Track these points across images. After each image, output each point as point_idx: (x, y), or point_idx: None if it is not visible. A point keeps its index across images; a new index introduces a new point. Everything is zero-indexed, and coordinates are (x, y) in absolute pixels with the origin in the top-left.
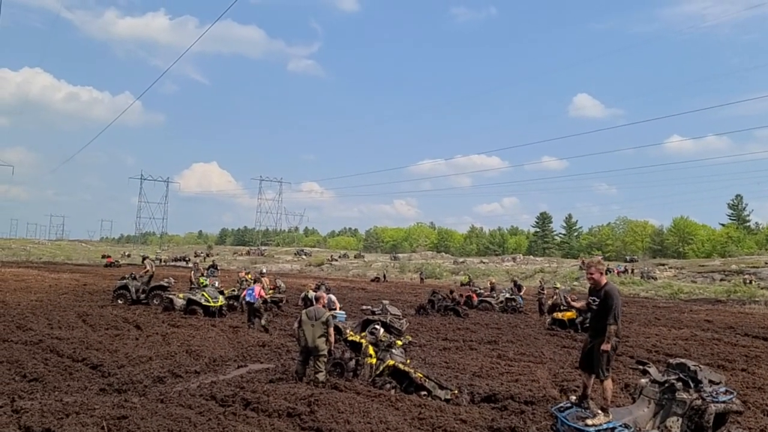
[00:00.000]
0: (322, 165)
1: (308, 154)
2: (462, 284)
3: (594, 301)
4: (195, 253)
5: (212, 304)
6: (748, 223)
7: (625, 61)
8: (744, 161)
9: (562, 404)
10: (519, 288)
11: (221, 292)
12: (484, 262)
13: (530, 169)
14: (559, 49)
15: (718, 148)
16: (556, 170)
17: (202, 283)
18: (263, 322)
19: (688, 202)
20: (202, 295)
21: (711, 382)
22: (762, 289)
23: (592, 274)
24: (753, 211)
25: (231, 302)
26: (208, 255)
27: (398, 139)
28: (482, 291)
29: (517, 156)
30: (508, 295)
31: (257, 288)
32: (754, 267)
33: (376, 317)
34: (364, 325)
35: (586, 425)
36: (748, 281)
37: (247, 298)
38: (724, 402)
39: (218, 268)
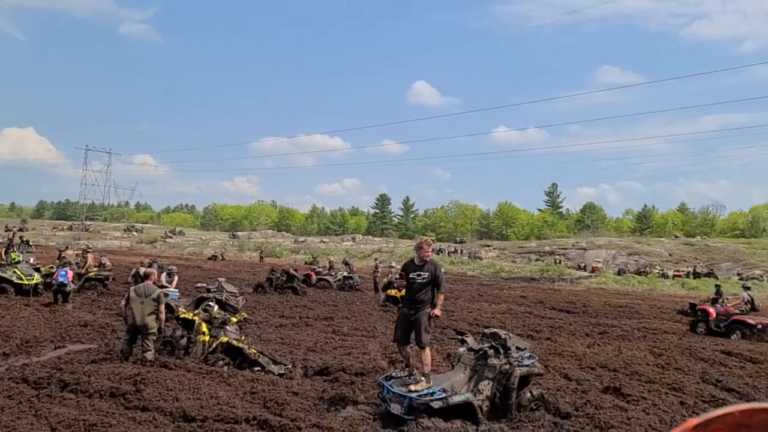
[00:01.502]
0: (157, 137)
1: (141, 123)
2: (305, 263)
3: (419, 275)
4: (6, 227)
5: (25, 282)
6: (561, 209)
7: (460, 52)
8: (558, 153)
9: (388, 374)
10: (350, 267)
11: (37, 269)
12: (324, 242)
13: (371, 152)
14: (401, 36)
15: (538, 140)
16: (395, 154)
17: (14, 259)
18: (69, 305)
19: (512, 188)
20: (14, 272)
21: (518, 348)
22: (569, 268)
23: (429, 252)
24: (565, 198)
25: (48, 280)
26: (21, 230)
27: (239, 114)
28: (321, 269)
29: (359, 138)
30: (345, 274)
31: (70, 272)
32: (563, 249)
33: (210, 295)
34: (198, 302)
35: (409, 391)
36: (557, 261)
37: (60, 279)
38: (527, 366)
39: (31, 244)
